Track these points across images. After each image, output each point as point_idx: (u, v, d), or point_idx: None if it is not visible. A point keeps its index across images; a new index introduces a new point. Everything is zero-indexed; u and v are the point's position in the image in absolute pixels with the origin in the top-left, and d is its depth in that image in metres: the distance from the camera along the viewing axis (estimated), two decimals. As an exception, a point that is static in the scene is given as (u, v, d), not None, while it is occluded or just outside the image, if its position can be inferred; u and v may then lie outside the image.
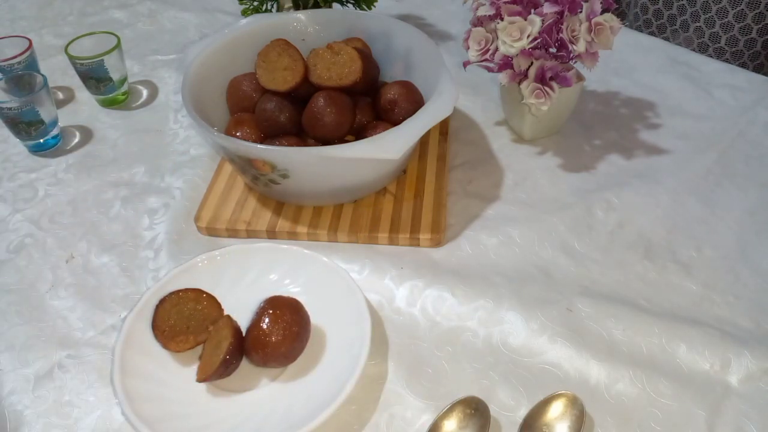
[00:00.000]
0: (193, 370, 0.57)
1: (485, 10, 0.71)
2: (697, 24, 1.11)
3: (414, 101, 0.71)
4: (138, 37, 1.08)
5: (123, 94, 0.92)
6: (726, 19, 1.08)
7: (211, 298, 0.59)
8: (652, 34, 1.19)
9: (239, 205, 0.72)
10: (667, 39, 1.17)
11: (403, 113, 0.70)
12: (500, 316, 0.61)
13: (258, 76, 0.71)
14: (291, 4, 0.90)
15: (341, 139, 0.70)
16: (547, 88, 0.71)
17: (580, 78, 0.77)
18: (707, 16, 1.09)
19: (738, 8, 1.05)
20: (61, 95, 0.95)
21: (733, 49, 1.10)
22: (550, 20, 0.68)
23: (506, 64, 0.72)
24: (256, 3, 0.95)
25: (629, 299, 0.62)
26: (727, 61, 1.11)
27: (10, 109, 0.78)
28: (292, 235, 0.70)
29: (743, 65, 1.11)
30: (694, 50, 1.12)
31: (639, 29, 1.22)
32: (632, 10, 1.24)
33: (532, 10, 0.69)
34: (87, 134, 0.87)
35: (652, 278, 0.64)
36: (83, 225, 0.73)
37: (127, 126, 0.88)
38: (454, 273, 0.65)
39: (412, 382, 0.56)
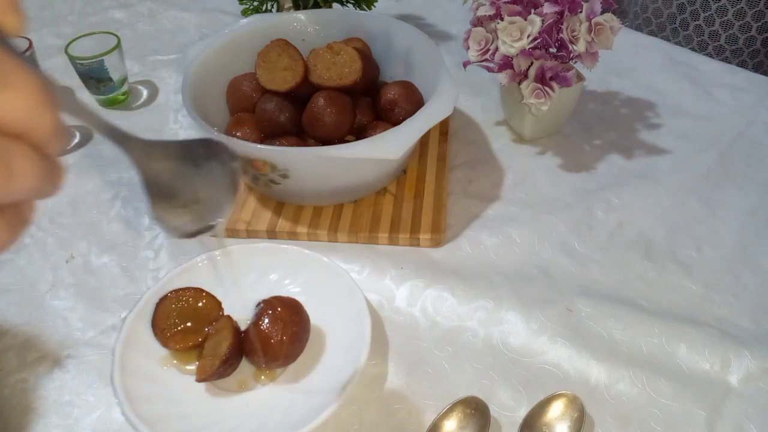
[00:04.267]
0: (193, 370, 0.57)
1: (485, 10, 0.71)
2: (697, 22, 1.11)
3: (414, 101, 0.71)
4: (138, 37, 1.08)
5: (123, 94, 0.92)
6: (725, 17, 1.08)
7: (211, 298, 0.59)
8: (651, 32, 1.19)
9: (239, 205, 0.72)
10: (666, 38, 1.17)
11: (403, 113, 0.70)
12: (500, 316, 0.61)
13: (258, 76, 0.71)
14: (291, 4, 0.90)
15: (341, 139, 0.70)
16: (547, 88, 0.71)
17: (580, 78, 0.77)
18: (707, 14, 1.09)
19: (737, 6, 1.05)
20: (61, 95, 0.95)
21: (733, 47, 1.10)
22: (550, 20, 0.68)
23: (506, 64, 0.72)
24: (256, 3, 0.95)
25: (629, 299, 0.62)
26: (726, 59, 1.11)
27: (10, 109, 0.78)
28: (292, 235, 0.70)
29: (743, 63, 1.11)
30: (693, 49, 1.13)
31: (638, 28, 1.22)
32: (632, 9, 1.24)
33: (532, 10, 0.69)
34: (87, 134, 0.87)
35: (652, 278, 0.64)
36: (83, 225, 0.73)
37: (127, 126, 0.87)
38: (454, 273, 0.65)
39: (412, 382, 0.56)
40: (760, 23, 1.06)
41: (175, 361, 0.57)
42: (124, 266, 0.68)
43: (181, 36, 1.08)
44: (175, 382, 0.56)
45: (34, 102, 0.22)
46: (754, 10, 1.05)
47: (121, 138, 0.28)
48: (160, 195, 0.30)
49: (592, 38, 0.69)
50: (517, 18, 0.68)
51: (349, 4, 0.94)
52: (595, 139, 0.82)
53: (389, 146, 0.61)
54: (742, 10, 1.06)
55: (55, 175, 0.25)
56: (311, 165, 0.65)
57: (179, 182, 0.30)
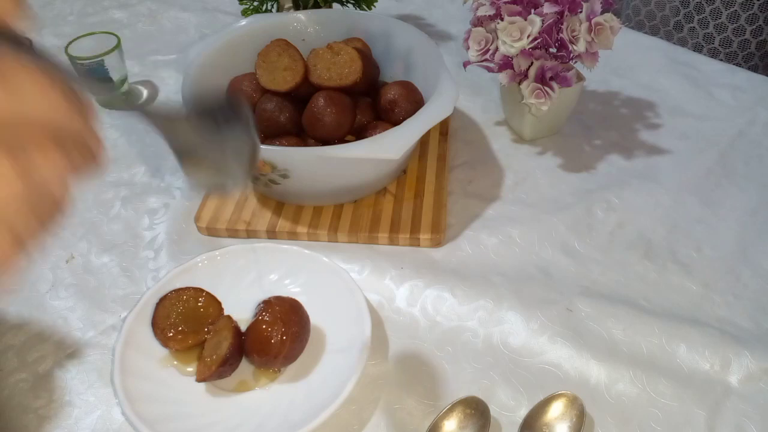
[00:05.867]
0: (193, 370, 0.57)
1: (485, 10, 0.71)
2: (691, 25, 1.11)
3: (414, 101, 0.71)
4: (138, 37, 1.08)
5: (123, 94, 0.92)
6: (719, 20, 1.07)
7: (211, 297, 0.59)
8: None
9: (239, 205, 0.72)
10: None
11: (403, 113, 0.70)
12: (500, 316, 0.61)
13: (258, 76, 0.71)
14: (291, 4, 0.90)
15: (341, 139, 0.70)
16: (547, 88, 0.71)
17: (580, 78, 0.77)
18: (701, 17, 1.09)
19: (731, 9, 1.05)
20: (61, 95, 0.95)
21: (727, 50, 1.10)
22: (550, 20, 0.68)
23: (506, 64, 0.72)
24: (256, 3, 0.95)
25: (629, 299, 0.62)
26: (721, 62, 1.11)
27: (10, 109, 0.78)
28: (292, 235, 0.70)
29: (737, 66, 1.11)
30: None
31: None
32: (624, 12, 1.24)
33: (532, 10, 0.69)
34: (87, 134, 0.87)
35: (652, 278, 0.64)
36: (83, 225, 0.73)
37: (127, 126, 0.88)
38: (454, 273, 0.65)
39: (412, 382, 0.56)
40: (754, 26, 1.06)
41: (175, 362, 0.57)
42: (124, 266, 0.68)
43: (181, 36, 1.08)
44: (175, 382, 0.56)
45: (50, 101, 0.23)
46: (747, 13, 1.05)
47: (143, 113, 0.29)
48: (186, 154, 0.31)
49: (592, 38, 0.69)
50: (517, 18, 0.68)
51: (349, 4, 0.94)
52: (595, 139, 0.82)
53: (389, 146, 0.61)
54: (735, 13, 1.05)
55: (92, 157, 0.25)
56: (311, 165, 0.65)
57: (204, 142, 0.31)
